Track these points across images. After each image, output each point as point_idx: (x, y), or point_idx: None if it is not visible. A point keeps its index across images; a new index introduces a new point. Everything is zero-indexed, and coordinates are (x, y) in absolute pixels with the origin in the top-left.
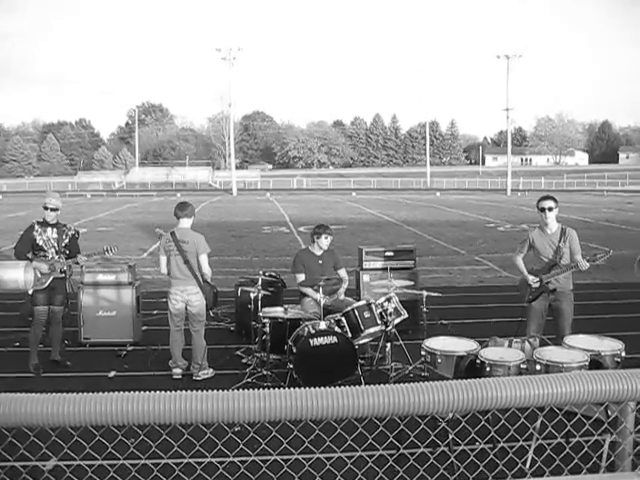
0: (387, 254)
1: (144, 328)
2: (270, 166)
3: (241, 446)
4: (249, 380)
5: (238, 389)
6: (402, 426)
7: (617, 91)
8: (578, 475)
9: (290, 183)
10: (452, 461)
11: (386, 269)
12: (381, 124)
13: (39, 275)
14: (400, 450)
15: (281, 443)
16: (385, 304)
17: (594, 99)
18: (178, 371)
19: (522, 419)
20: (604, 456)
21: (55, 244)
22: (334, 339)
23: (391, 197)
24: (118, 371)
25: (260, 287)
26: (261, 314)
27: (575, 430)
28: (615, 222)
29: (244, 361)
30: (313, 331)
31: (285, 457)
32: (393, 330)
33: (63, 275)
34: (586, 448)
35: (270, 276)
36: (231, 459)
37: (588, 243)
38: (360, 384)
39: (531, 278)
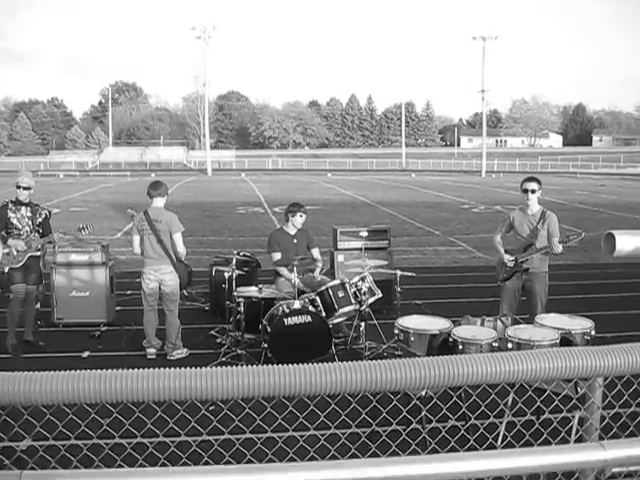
0: (361, 234)
1: (118, 308)
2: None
3: (214, 423)
4: (223, 359)
5: (212, 368)
6: (375, 403)
7: (592, 74)
8: (547, 446)
9: (265, 163)
10: (424, 437)
11: (361, 249)
12: (357, 105)
13: (15, 253)
14: (373, 427)
15: (254, 420)
16: (359, 283)
17: (569, 82)
18: (152, 351)
19: (493, 395)
20: (573, 431)
21: (29, 222)
22: (308, 318)
23: (366, 178)
24: (92, 351)
25: (234, 267)
26: (235, 293)
27: (545, 406)
28: (588, 204)
29: (218, 340)
30: (287, 310)
31: (258, 435)
32: (367, 309)
33: (38, 253)
34: (555, 423)
35: (245, 256)
36: (204, 437)
37: (562, 225)
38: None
39: (507, 257)
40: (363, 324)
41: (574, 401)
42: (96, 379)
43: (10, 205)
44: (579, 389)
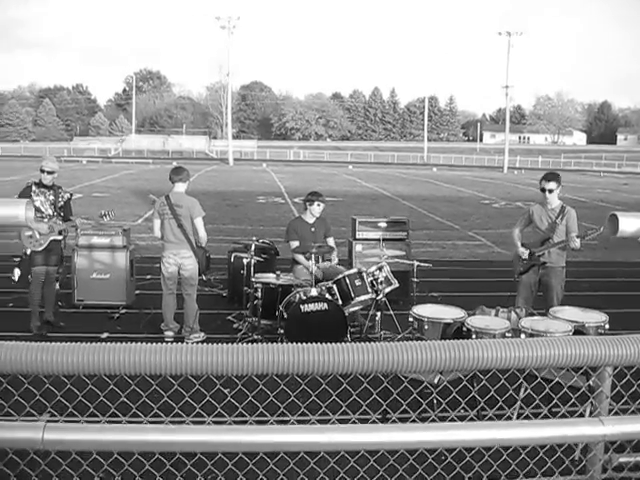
0: (380, 225)
1: (137, 292)
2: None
3: (229, 398)
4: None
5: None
6: (385, 383)
7: (617, 72)
8: (545, 419)
9: (287, 154)
10: (434, 420)
11: (379, 239)
12: (380, 98)
13: (37, 236)
14: (383, 407)
15: (267, 397)
16: (376, 273)
17: (594, 79)
18: (170, 334)
19: (503, 380)
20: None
21: (52, 206)
22: (325, 306)
23: (388, 171)
24: (111, 333)
25: (253, 253)
26: (253, 279)
27: (559, 400)
28: (609, 203)
29: (235, 326)
30: (304, 297)
31: (271, 412)
32: (383, 299)
33: (60, 237)
34: (563, 410)
35: (263, 243)
36: (219, 410)
37: (581, 222)
38: None
39: (521, 250)
40: (379, 314)
41: (583, 391)
42: (116, 351)
43: (34, 187)
44: (592, 384)
